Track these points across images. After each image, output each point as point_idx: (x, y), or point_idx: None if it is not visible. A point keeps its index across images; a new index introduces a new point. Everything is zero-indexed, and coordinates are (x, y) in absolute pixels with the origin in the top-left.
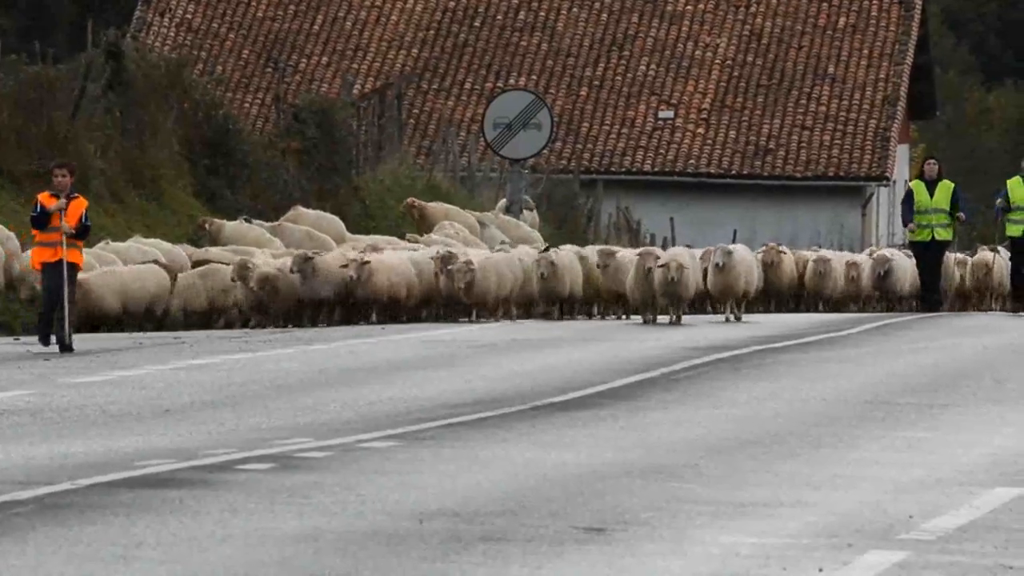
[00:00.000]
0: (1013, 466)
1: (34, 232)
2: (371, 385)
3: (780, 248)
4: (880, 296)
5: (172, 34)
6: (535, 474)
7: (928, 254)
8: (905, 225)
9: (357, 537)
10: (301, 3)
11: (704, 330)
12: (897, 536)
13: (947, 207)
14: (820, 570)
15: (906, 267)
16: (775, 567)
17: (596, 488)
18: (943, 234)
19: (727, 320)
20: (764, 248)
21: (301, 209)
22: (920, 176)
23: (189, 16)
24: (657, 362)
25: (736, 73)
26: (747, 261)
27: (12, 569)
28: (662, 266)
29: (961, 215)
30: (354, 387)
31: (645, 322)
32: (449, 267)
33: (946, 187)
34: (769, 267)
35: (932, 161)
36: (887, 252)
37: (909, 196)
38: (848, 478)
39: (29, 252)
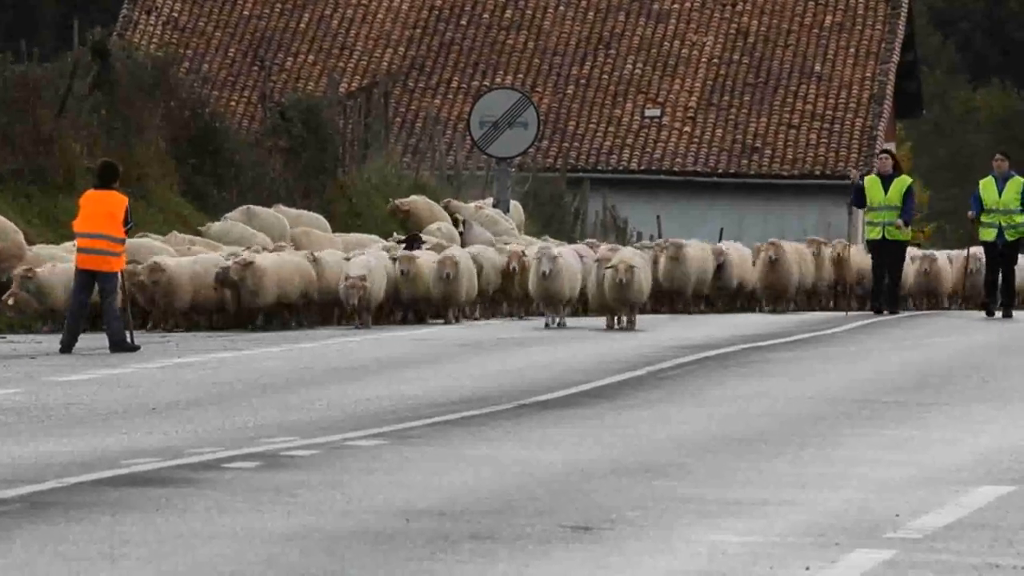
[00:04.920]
0: (999, 464)
1: (122, 236)
2: (358, 383)
3: (678, 243)
4: (719, 291)
5: (158, 32)
6: (522, 473)
7: (880, 253)
8: (850, 212)
9: (344, 536)
10: (287, 1)
11: (692, 329)
12: (884, 535)
13: (900, 204)
14: (807, 568)
15: (745, 259)
16: (762, 566)
17: (583, 487)
18: (895, 233)
19: (546, 326)
20: (656, 245)
21: (282, 207)
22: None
23: (175, 14)
24: (644, 360)
25: (723, 71)
26: (572, 267)
27: None
28: (610, 267)
29: (899, 222)
30: (341, 385)
31: (609, 327)
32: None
33: (901, 183)
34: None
35: (885, 155)
36: (725, 244)
37: (859, 192)
38: (835, 477)
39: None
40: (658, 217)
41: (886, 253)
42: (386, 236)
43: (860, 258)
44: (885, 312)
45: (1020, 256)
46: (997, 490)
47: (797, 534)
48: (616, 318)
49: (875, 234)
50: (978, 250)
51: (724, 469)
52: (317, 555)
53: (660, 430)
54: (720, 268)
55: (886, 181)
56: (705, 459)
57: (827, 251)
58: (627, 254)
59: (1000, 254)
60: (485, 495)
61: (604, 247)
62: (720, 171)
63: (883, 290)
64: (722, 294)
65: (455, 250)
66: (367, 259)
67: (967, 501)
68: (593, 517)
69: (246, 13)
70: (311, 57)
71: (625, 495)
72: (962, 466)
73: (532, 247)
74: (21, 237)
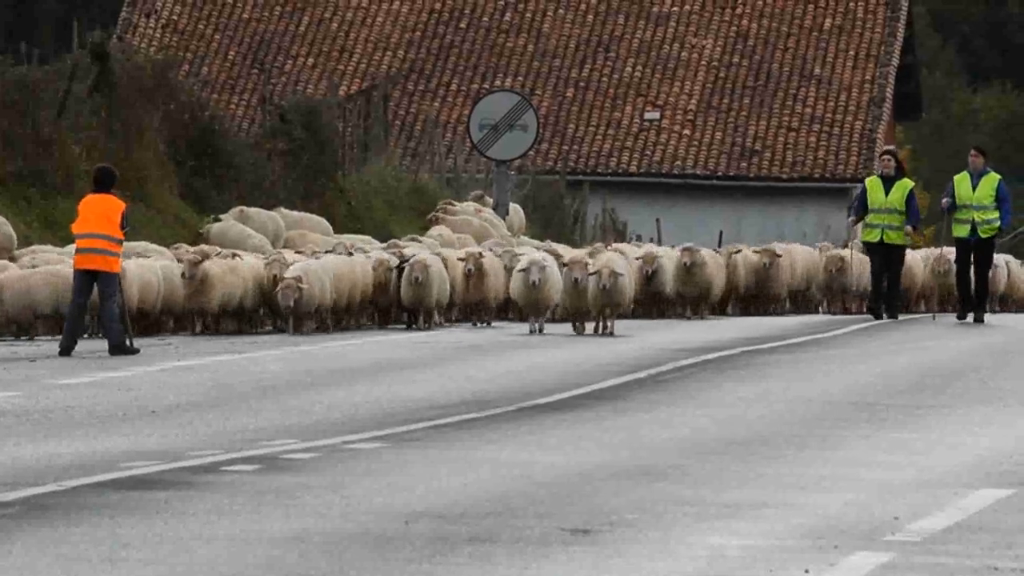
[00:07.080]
0: (999, 467)
1: (120, 236)
2: (357, 386)
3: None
4: (648, 297)
5: (158, 35)
6: (521, 475)
7: (877, 256)
8: (849, 216)
9: (343, 538)
10: (287, 4)
11: (691, 331)
12: (883, 537)
13: (902, 207)
14: (806, 571)
15: (671, 269)
16: (761, 568)
17: (582, 489)
18: (893, 236)
19: (531, 332)
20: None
21: (283, 210)
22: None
23: (175, 17)
24: (644, 363)
25: (722, 74)
26: (556, 275)
27: None
28: (594, 274)
29: (909, 228)
30: (340, 388)
31: (577, 332)
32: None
33: (903, 186)
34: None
35: (888, 156)
36: (659, 251)
37: (862, 194)
38: (834, 479)
39: (121, 261)
40: (657, 220)
41: (884, 256)
42: (384, 239)
43: (804, 256)
44: (884, 316)
45: (996, 255)
46: (996, 493)
47: (796, 537)
48: (584, 324)
49: (873, 236)
50: (950, 251)
51: (724, 472)
52: (317, 558)
53: (660, 432)
54: (653, 275)
55: (888, 183)
56: (705, 461)
57: (739, 258)
58: (611, 259)
59: (974, 250)
60: (484, 498)
61: (574, 252)
62: (719, 174)
63: (882, 294)
64: (647, 298)
65: (425, 254)
66: (307, 262)
67: (966, 504)
68: (593, 520)
69: (245, 16)
70: (310, 60)
71: (625, 497)
72: (961, 469)
73: (515, 249)
74: (10, 229)
